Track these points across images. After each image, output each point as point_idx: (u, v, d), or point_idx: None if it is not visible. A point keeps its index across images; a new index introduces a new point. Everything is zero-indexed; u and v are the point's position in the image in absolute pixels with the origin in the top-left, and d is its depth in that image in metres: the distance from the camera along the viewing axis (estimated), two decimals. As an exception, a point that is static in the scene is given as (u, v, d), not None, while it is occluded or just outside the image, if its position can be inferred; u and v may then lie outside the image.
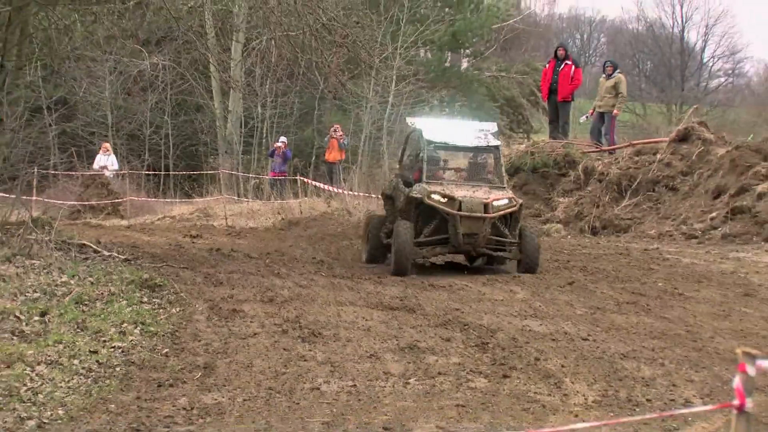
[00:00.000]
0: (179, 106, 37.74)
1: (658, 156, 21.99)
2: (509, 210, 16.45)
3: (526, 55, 43.27)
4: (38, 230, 16.29)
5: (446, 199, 16.55)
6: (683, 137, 21.96)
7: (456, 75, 41.08)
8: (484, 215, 15.86)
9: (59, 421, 7.86)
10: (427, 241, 16.87)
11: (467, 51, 42.60)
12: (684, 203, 20.41)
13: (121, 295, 13.01)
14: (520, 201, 17.05)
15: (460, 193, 16.56)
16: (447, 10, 38.78)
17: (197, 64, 35.49)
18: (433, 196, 16.68)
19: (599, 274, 15.96)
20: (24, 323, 10.91)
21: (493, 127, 19.53)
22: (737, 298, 13.50)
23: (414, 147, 19.05)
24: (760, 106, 43.24)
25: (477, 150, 18.69)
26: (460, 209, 16.17)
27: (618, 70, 25.26)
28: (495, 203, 16.39)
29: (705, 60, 58.21)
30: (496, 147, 18.13)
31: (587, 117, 26.07)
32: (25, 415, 7.92)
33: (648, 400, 8.53)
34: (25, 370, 9.13)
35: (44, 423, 7.79)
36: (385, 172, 27.93)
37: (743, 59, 61.16)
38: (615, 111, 24.17)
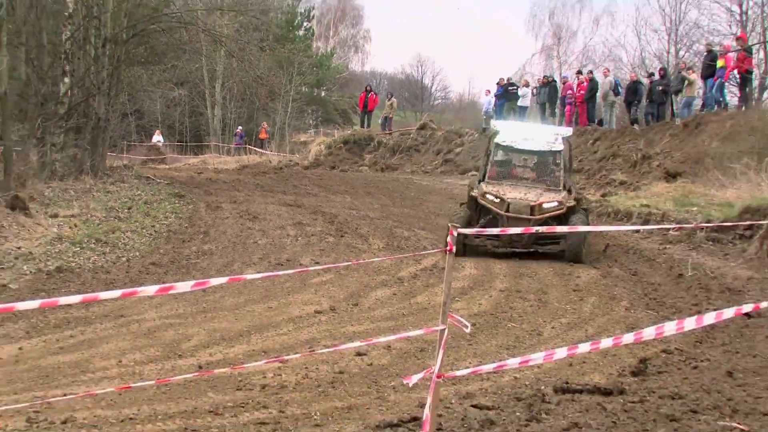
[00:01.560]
0: (192, 111, 67.62)
1: (411, 135, 42.80)
2: (556, 213, 17.06)
3: (350, 89, 74.89)
4: (127, 170, 31.87)
5: (498, 200, 17.50)
6: (422, 127, 43.52)
7: (319, 99, 75.54)
8: (529, 217, 16.53)
9: (136, 257, 17.11)
10: (481, 234, 17.24)
11: (323, 87, 75.67)
12: (423, 157, 40.00)
13: (165, 199, 24.80)
14: (571, 203, 17.50)
15: (513, 194, 17.38)
16: (315, 68, 71.75)
17: (201, 92, 65.29)
18: (487, 196, 17.80)
19: (384, 190, 30.04)
20: (120, 212, 21.42)
21: (567, 131, 20.35)
22: (446, 201, 25.84)
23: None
24: (460, 112, 79.90)
25: (540, 153, 19.14)
26: (507, 210, 17.10)
27: (393, 96, 49.35)
28: (544, 205, 17.13)
29: (433, 91, 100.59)
30: (558, 151, 18.51)
31: (383, 119, 47.01)
32: (120, 255, 17.26)
33: (407, 246, 18.24)
34: (120, 234, 18.79)
35: (130, 258, 17.02)
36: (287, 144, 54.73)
37: (449, 89, 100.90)
38: (390, 116, 45.76)
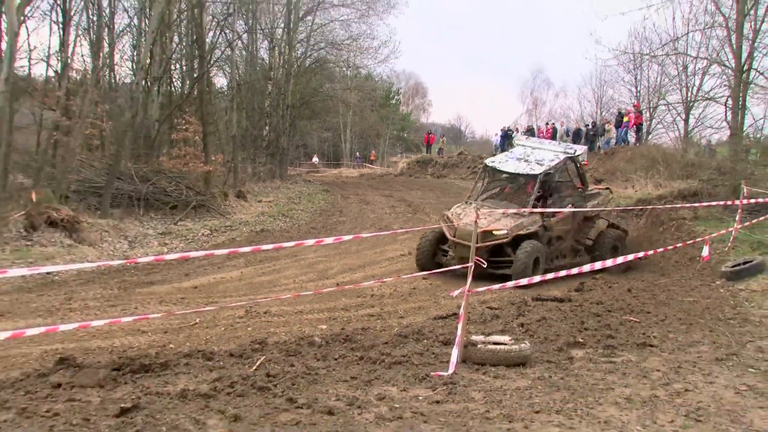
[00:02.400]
0: (334, 144, 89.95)
1: (453, 158, 55.89)
2: (498, 242, 16.28)
3: (420, 132, 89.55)
4: (298, 177, 45.55)
5: (449, 223, 17.21)
6: (460, 153, 57.40)
7: (403, 138, 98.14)
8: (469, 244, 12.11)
9: (303, 224, 28.94)
10: (443, 250, 17.58)
11: (405, 131, 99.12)
12: (461, 170, 52.57)
13: (318, 193, 40.74)
14: (527, 230, 16.77)
15: (468, 219, 16.32)
16: (401, 121, 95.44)
17: (338, 133, 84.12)
18: (445, 218, 17.86)
19: (439, 189, 42.58)
20: (294, 200, 35.27)
21: (580, 149, 19.85)
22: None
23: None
24: (481, 145, 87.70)
25: (515, 176, 18.21)
26: (455, 235, 16.65)
27: (443, 136, 74.83)
28: (495, 233, 16.39)
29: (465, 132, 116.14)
30: (532, 175, 17.49)
31: (438, 149, 63.27)
32: (294, 223, 29.10)
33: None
34: (294, 211, 31.56)
35: (300, 225, 28.58)
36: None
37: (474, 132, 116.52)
38: (442, 147, 65.47)
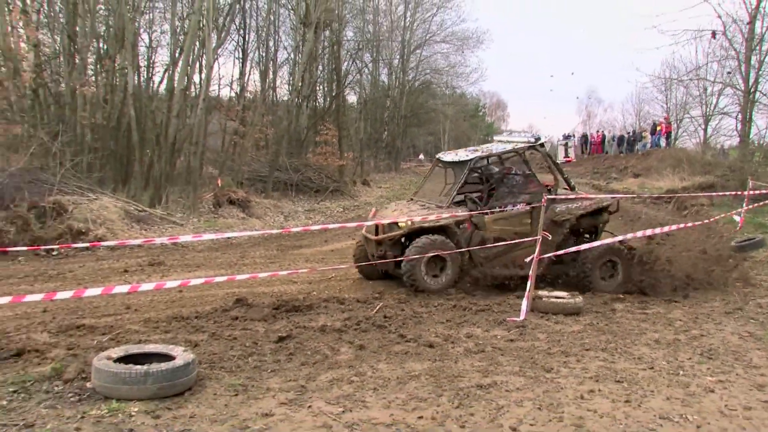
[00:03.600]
0: (434, 145, 72.85)
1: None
2: (396, 235, 10.09)
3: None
4: (407, 170, 45.22)
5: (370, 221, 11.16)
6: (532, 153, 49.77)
7: (487, 142, 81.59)
8: (374, 238, 10.31)
9: None
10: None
11: (489, 137, 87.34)
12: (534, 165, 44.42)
13: (419, 181, 35.33)
14: (429, 225, 10.04)
15: (387, 212, 11.22)
16: (487, 128, 77.51)
17: (438, 137, 71.58)
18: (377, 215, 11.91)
19: None
20: (405, 186, 33.43)
21: (545, 137, 13.65)
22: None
23: None
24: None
25: (448, 164, 11.37)
26: (366, 231, 11.03)
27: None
28: (400, 224, 10.14)
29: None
30: (463, 163, 10.84)
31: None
32: None
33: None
34: (405, 194, 28.53)
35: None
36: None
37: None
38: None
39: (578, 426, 4.94)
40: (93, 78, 19.71)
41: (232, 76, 31.74)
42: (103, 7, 20.21)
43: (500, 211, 10.43)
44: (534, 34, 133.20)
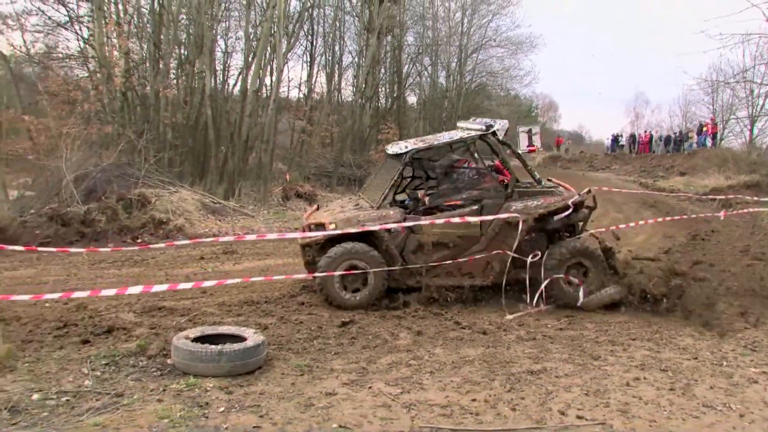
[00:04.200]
0: None
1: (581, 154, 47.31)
2: (317, 238, 8.11)
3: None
4: None
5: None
6: (581, 152, 51.28)
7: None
8: (300, 241, 8.53)
9: None
10: None
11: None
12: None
13: None
14: (360, 226, 7.92)
15: (320, 213, 9.14)
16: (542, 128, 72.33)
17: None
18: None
19: (560, 177, 35.59)
20: None
21: (499, 124, 8.87)
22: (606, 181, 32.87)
23: None
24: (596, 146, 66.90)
25: (393, 159, 8.92)
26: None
27: (569, 139, 59.48)
28: (329, 226, 8.10)
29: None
30: (398, 155, 8.54)
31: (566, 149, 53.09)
32: None
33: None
34: None
35: None
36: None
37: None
38: (568, 147, 53.81)
39: (624, 412, 4.90)
40: (174, 81, 20.19)
41: (301, 79, 32.04)
42: (184, 17, 20.67)
43: (446, 209, 8.36)
44: (583, 39, 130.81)
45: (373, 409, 4.71)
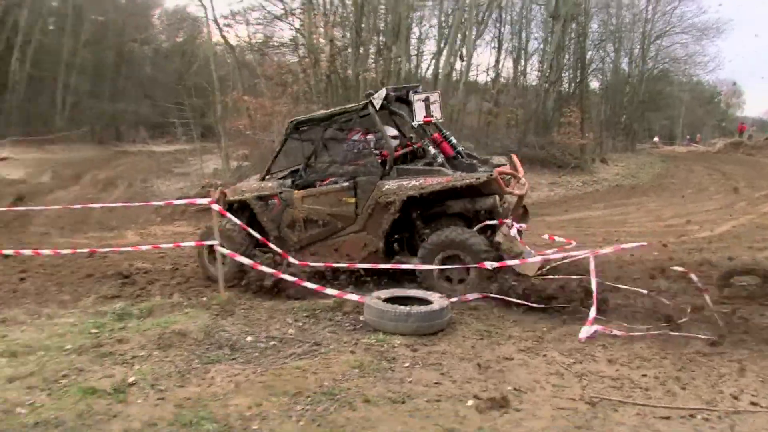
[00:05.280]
0: None
1: None
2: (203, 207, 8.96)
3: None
4: (642, 150, 40.33)
5: None
6: None
7: None
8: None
9: (644, 180, 25.90)
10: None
11: None
12: None
13: (656, 162, 32.50)
14: (233, 197, 7.67)
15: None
16: None
17: None
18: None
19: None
20: (638, 167, 30.29)
21: (381, 93, 7.07)
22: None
23: None
24: None
25: None
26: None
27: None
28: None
29: None
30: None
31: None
32: (635, 180, 26.12)
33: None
34: (642, 173, 27.28)
35: (642, 183, 25.85)
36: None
37: None
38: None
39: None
40: (373, 66, 20.52)
41: (488, 64, 31.74)
42: (383, 7, 20.94)
43: (319, 185, 7.29)
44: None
45: (546, 376, 4.52)
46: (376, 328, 5.37)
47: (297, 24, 20.69)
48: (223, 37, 20.78)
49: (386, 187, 6.78)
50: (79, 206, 9.79)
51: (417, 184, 6.67)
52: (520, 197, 6.95)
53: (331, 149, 7.51)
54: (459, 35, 21.77)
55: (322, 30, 19.09)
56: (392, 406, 3.95)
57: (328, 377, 4.36)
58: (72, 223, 13.55)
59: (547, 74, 28.35)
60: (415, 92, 7.31)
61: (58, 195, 17.85)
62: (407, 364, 4.68)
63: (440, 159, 6.94)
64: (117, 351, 4.81)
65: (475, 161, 7.34)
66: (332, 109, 7.82)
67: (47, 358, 4.65)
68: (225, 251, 6.62)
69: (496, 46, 30.38)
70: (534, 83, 31.28)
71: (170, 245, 8.01)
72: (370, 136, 7.36)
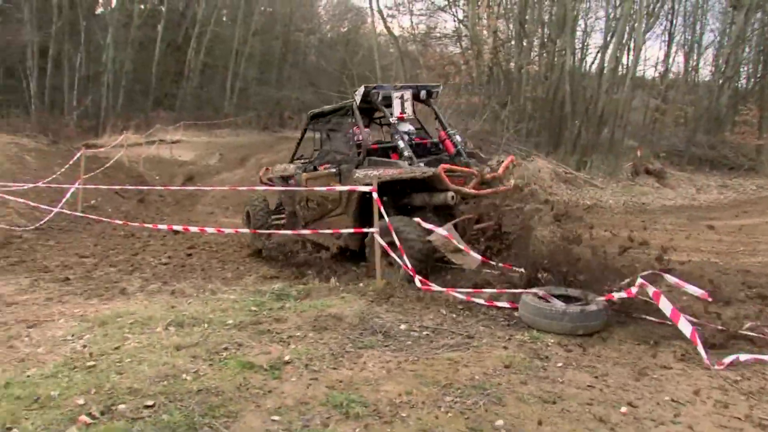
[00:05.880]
0: None
1: None
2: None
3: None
4: None
5: None
6: None
7: None
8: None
9: None
10: None
11: None
12: None
13: None
14: (272, 174, 9.45)
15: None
16: None
17: None
18: None
19: None
20: None
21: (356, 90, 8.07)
22: None
23: None
24: None
25: None
26: None
27: None
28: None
29: None
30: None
31: None
32: None
33: None
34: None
35: None
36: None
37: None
38: None
39: None
40: (536, 58, 20.31)
41: (657, 58, 30.23)
42: (549, -1, 20.67)
43: (314, 169, 8.33)
44: None
45: (708, 390, 4.23)
46: (531, 325, 5.32)
47: (460, 15, 20.90)
48: (387, 27, 21.42)
49: (356, 175, 7.42)
50: (244, 188, 10.52)
51: (377, 174, 7.08)
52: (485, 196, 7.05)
53: (331, 139, 8.42)
54: (627, 27, 20.95)
55: (485, 21, 19.14)
56: (542, 406, 3.89)
57: (479, 371, 4.34)
58: (236, 204, 14.34)
59: (723, 69, 26.55)
60: (395, 90, 7.97)
61: (224, 176, 19.19)
62: (560, 364, 4.57)
63: (406, 153, 7.32)
64: (274, 329, 5.02)
65: (473, 159, 7.80)
66: (333, 105, 8.61)
67: (210, 331, 4.94)
68: (382, 242, 6.54)
69: (667, 39, 28.58)
70: (706, 78, 29.48)
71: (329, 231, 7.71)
72: (364, 129, 8.00)
